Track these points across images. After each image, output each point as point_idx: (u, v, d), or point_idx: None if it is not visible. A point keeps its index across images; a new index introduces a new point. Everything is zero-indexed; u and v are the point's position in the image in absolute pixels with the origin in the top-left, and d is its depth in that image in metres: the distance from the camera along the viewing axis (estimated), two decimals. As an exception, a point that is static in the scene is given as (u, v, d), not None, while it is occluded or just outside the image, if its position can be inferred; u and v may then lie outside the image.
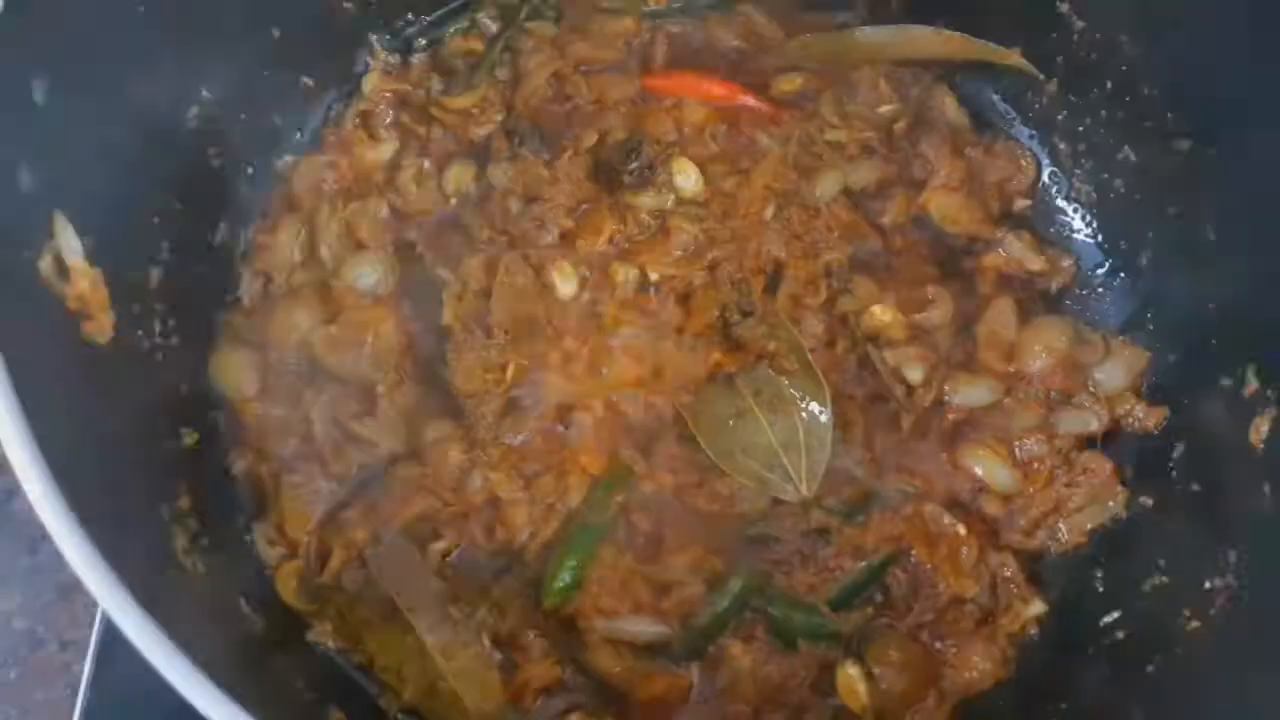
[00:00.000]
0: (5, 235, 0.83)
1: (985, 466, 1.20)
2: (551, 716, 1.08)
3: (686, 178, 1.28)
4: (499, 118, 1.32)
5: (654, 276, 1.25)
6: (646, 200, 1.27)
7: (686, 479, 1.17)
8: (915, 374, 1.23)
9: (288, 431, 1.17)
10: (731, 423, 1.17)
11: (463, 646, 1.07)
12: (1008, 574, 1.16)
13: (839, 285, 1.25)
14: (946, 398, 1.23)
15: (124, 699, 1.14)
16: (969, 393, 1.23)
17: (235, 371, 1.18)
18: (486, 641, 1.08)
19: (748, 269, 1.25)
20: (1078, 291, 1.32)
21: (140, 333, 1.05)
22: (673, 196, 1.28)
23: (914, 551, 1.16)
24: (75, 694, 1.16)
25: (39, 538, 1.37)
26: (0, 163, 0.84)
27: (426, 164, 1.30)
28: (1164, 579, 1.10)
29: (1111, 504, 1.19)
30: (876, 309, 1.24)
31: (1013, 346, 1.25)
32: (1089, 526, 1.19)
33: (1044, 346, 1.24)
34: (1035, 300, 1.30)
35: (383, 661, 1.08)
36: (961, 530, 1.16)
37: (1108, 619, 1.13)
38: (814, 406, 1.18)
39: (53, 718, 1.26)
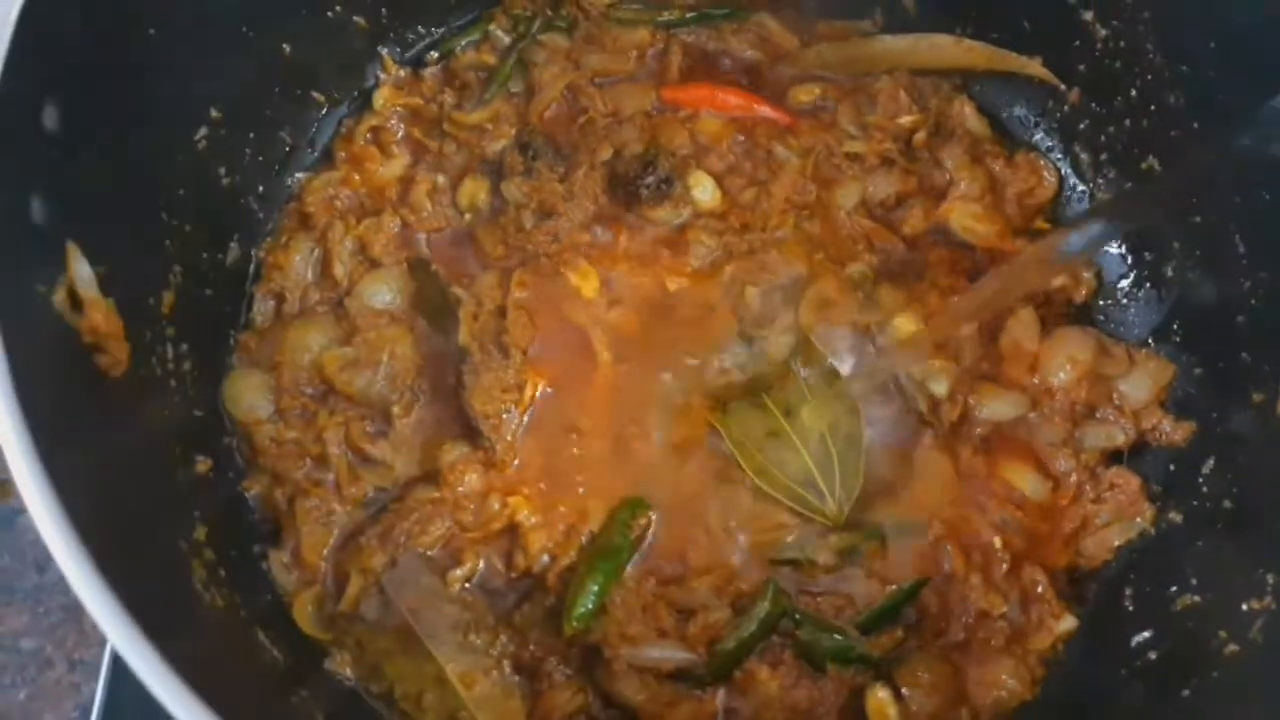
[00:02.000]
0: (19, 269, 0.81)
1: (1019, 476, 1.19)
2: (576, 745, 1.07)
3: (704, 190, 1.27)
4: (513, 132, 1.30)
5: (672, 288, 1.24)
6: (663, 214, 1.26)
7: (712, 498, 1.16)
8: (940, 387, 1.21)
9: (302, 455, 1.15)
10: (766, 441, 1.16)
11: (483, 674, 1.05)
12: (1039, 590, 1.14)
13: (865, 297, 1.23)
14: (973, 410, 1.21)
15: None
16: (995, 406, 1.21)
17: (248, 394, 1.17)
18: (508, 669, 1.07)
19: (768, 282, 1.24)
20: (1102, 303, 1.30)
21: (153, 359, 1.04)
22: (690, 209, 1.27)
23: (947, 565, 1.14)
24: (87, 715, 1.15)
25: (47, 556, 1.35)
26: (13, 195, 0.82)
27: (440, 179, 1.28)
28: (1196, 598, 1.08)
29: (1139, 520, 1.17)
30: (899, 320, 1.22)
31: (1036, 358, 1.23)
32: (1117, 543, 1.18)
33: (1067, 358, 1.22)
34: (1059, 312, 1.28)
35: (402, 690, 1.06)
36: (998, 543, 1.15)
37: (1139, 639, 1.11)
38: (846, 426, 1.16)
39: (63, 740, 1.25)
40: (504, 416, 1.16)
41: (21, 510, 1.36)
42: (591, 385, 1.20)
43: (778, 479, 1.15)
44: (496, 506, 1.13)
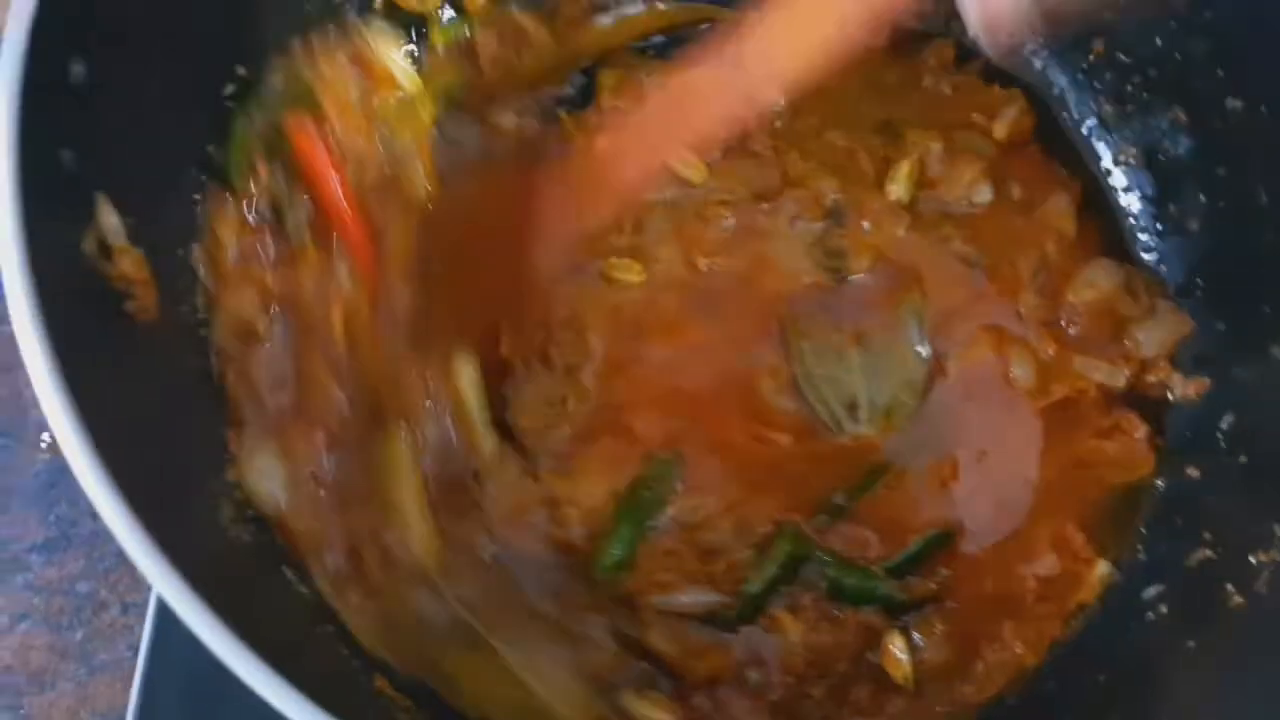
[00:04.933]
0: (50, 219, 0.83)
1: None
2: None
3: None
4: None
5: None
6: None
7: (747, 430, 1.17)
8: (985, 194, 1.24)
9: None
10: (826, 353, 1.18)
11: None
12: (1075, 545, 1.15)
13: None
14: None
15: (182, 659, 1.17)
16: None
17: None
18: None
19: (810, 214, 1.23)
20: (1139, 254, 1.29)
21: (184, 307, 1.06)
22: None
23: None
24: (136, 654, 1.19)
25: (101, 503, 1.39)
26: (43, 147, 0.84)
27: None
28: (1209, 553, 1.09)
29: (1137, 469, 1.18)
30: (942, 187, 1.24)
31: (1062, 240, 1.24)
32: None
33: (1087, 282, 1.23)
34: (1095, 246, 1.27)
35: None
36: None
37: (1149, 592, 1.12)
38: (912, 370, 1.18)
39: (117, 676, 1.29)
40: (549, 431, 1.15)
41: (78, 459, 1.40)
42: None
43: (819, 389, 1.16)
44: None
